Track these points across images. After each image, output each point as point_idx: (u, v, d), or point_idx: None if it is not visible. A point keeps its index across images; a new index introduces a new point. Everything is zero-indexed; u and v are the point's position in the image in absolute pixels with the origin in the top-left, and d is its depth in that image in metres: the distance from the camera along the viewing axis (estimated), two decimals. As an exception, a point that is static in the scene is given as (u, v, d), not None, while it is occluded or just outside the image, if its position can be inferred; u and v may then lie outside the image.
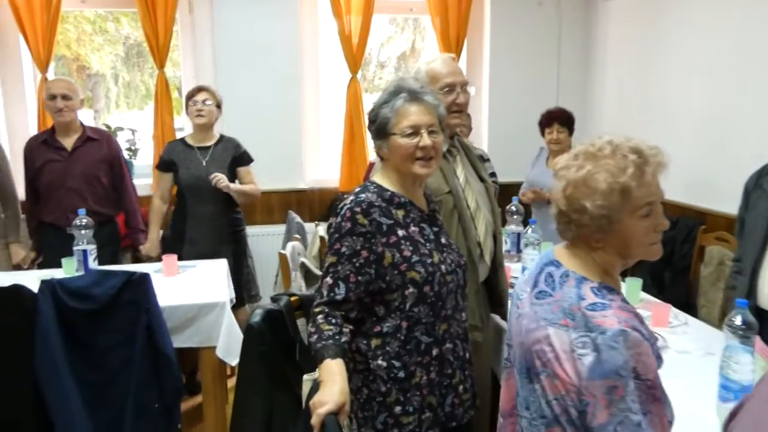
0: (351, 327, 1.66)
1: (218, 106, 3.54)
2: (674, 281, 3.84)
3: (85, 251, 2.97)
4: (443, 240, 1.81)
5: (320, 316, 1.63)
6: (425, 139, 1.69)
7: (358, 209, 1.67)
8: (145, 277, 2.49)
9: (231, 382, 3.36)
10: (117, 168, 3.55)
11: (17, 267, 3.52)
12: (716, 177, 3.73)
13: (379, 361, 1.69)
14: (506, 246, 3.28)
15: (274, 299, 2.20)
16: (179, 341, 2.65)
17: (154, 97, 4.44)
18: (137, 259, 3.76)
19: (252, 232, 4.05)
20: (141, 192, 3.98)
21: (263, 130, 4.29)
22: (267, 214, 4.52)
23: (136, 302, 2.48)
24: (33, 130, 4.30)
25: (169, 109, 4.43)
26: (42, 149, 3.42)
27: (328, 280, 1.66)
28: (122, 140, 4.45)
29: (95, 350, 2.49)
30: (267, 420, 2.13)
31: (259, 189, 3.62)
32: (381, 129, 1.73)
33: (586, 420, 1.26)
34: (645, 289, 2.81)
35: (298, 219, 4.09)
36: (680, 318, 2.58)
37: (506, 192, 3.42)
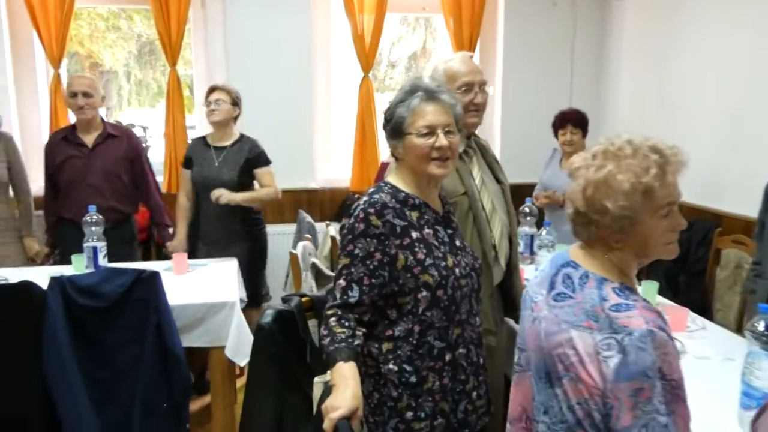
0: (364, 330, 1.64)
1: (234, 103, 3.49)
2: (689, 284, 3.79)
3: (95, 248, 2.97)
4: (458, 243, 1.78)
5: (333, 319, 1.60)
6: (441, 139, 1.66)
7: (371, 210, 1.64)
8: (154, 275, 2.47)
9: (240, 382, 3.35)
10: (138, 165, 3.55)
11: (31, 261, 3.52)
12: (733, 179, 3.68)
13: (391, 366, 1.66)
14: (519, 248, 3.24)
15: (285, 300, 2.17)
16: (188, 340, 2.64)
17: (165, 95, 4.43)
18: (147, 256, 3.76)
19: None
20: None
21: (274, 129, 4.27)
22: (277, 213, 4.50)
23: (146, 300, 2.46)
24: (45, 126, 4.31)
25: (180, 107, 4.43)
26: (63, 145, 3.43)
27: (341, 282, 1.63)
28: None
29: (104, 348, 2.48)
30: (277, 421, 2.10)
31: (276, 190, 3.52)
32: (396, 128, 1.70)
33: (609, 423, 1.24)
34: (659, 292, 2.76)
35: (309, 219, 4.07)
36: (698, 322, 2.53)
37: (519, 193, 3.38)
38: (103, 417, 2.45)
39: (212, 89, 3.52)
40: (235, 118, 3.54)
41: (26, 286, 2.39)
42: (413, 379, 1.65)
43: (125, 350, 2.49)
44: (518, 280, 2.29)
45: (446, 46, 5.01)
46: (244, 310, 2.90)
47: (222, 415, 2.76)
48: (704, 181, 3.75)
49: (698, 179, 3.73)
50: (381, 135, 4.67)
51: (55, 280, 2.38)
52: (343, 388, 1.45)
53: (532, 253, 3.26)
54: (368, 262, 1.62)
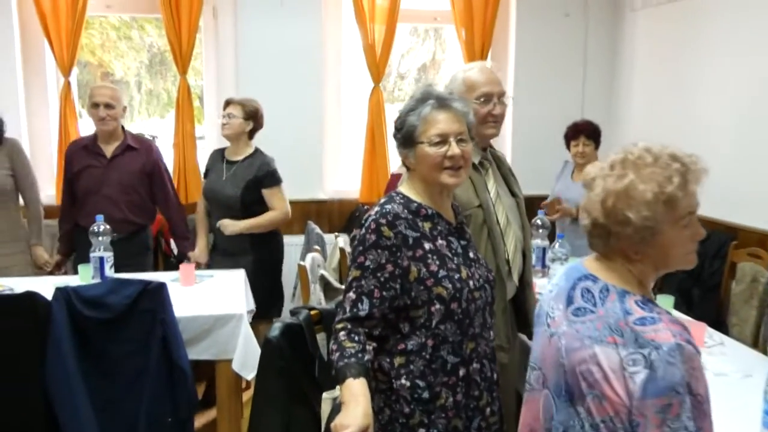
0: (374, 344, 1.59)
1: (248, 118, 3.45)
2: (703, 298, 3.74)
3: (101, 258, 2.94)
4: (471, 254, 1.74)
5: (342, 333, 1.56)
6: (454, 148, 1.62)
7: (383, 221, 1.60)
8: (161, 287, 2.44)
9: (246, 396, 3.30)
10: (157, 177, 3.53)
11: (39, 269, 3.50)
12: (748, 191, 3.62)
13: (403, 381, 1.61)
14: (532, 262, 3.20)
15: (294, 312, 2.14)
16: (194, 353, 2.60)
17: (175, 104, 4.42)
18: (154, 267, 3.74)
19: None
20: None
21: (284, 139, 4.25)
22: (286, 224, 4.44)
23: (152, 312, 2.43)
24: (54, 134, 4.32)
25: (190, 117, 4.42)
26: (82, 154, 3.43)
27: (351, 295, 1.59)
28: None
29: (108, 360, 2.45)
30: (284, 436, 2.06)
31: (285, 213, 3.45)
32: (407, 137, 1.66)
33: None
34: (673, 306, 2.71)
35: (317, 230, 4.03)
36: (715, 338, 2.48)
37: (530, 205, 3.34)
38: (106, 430, 2.41)
39: (227, 103, 3.51)
40: (251, 132, 3.49)
41: (31, 297, 2.37)
42: (426, 395, 1.60)
43: (130, 362, 2.46)
44: (531, 295, 2.24)
45: (456, 58, 4.99)
46: (252, 322, 2.86)
47: (228, 430, 2.72)
48: (719, 193, 3.68)
49: (713, 191, 3.63)
50: (391, 146, 4.68)
51: (60, 291, 2.36)
52: (353, 406, 1.41)
53: (544, 266, 3.22)
54: (379, 275, 1.58)
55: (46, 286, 2.60)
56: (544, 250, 3.26)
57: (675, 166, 1.25)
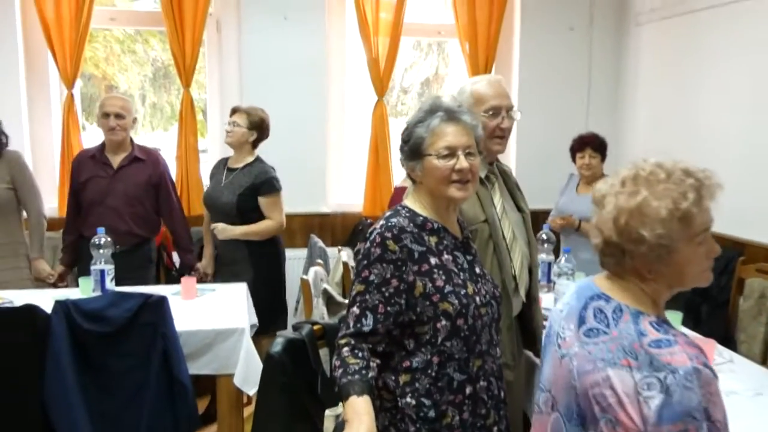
0: (378, 361, 1.56)
1: (252, 128, 3.46)
2: (711, 315, 3.69)
3: (102, 271, 2.91)
4: (477, 270, 1.71)
5: (346, 349, 1.52)
6: (462, 162, 1.59)
7: (388, 234, 1.57)
8: (162, 300, 2.42)
9: (247, 411, 3.25)
10: (163, 190, 3.52)
11: (40, 282, 3.46)
12: (756, 206, 3.59)
13: (408, 399, 1.58)
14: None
15: (296, 327, 2.10)
16: (195, 368, 2.56)
17: (178, 116, 4.41)
18: (156, 279, 3.71)
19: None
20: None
21: (287, 152, 4.22)
22: (288, 237, 4.42)
23: (153, 326, 2.41)
24: (57, 146, 4.29)
25: (193, 129, 4.40)
26: (89, 164, 3.42)
27: (355, 309, 1.55)
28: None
29: (108, 374, 2.42)
30: (285, 454, 2.02)
31: (279, 223, 3.43)
32: (415, 149, 1.64)
33: None
34: (681, 322, 2.67)
35: (320, 243, 4.00)
36: (725, 355, 2.44)
37: (535, 220, 3.31)
38: (105, 446, 2.38)
39: (233, 110, 3.52)
40: (254, 142, 3.50)
41: (30, 310, 2.34)
42: (432, 413, 1.57)
43: (130, 377, 2.43)
44: (538, 312, 2.21)
45: (459, 72, 4.98)
46: (254, 336, 2.82)
47: (229, 446, 2.68)
48: (726, 208, 3.62)
49: (720, 206, 3.63)
50: (394, 159, 4.66)
51: (59, 304, 2.33)
52: (357, 424, 1.38)
53: (550, 281, 3.18)
54: (384, 289, 1.55)
55: (46, 299, 2.57)
56: (549, 264, 3.22)
57: (689, 182, 1.22)
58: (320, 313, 2.98)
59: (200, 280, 3.45)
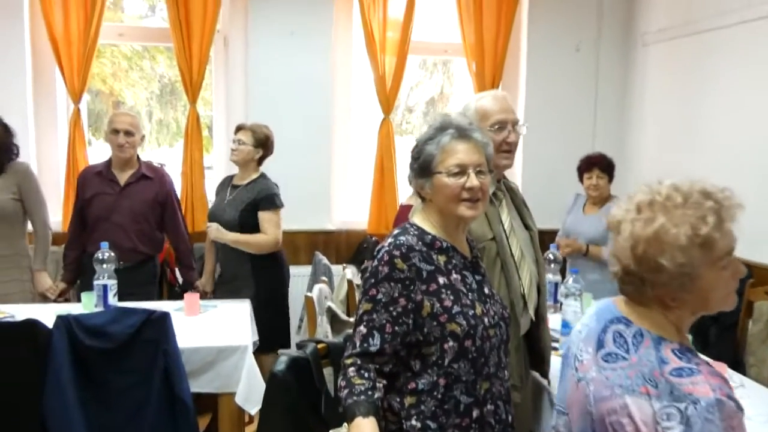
0: (384, 382, 1.52)
1: (258, 145, 3.45)
2: (720, 338, 3.64)
3: (105, 286, 2.89)
4: (486, 290, 1.67)
5: (352, 369, 1.49)
6: (473, 180, 1.57)
7: (396, 253, 1.54)
8: (164, 316, 2.39)
9: (249, 430, 3.21)
10: (170, 208, 3.52)
11: (42, 296, 3.44)
12: (764, 228, 3.54)
13: (413, 422, 1.54)
14: (544, 296, 3.13)
15: (300, 345, 2.07)
16: (197, 386, 2.53)
17: (184, 132, 4.41)
18: (161, 295, 3.69)
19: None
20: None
21: (292, 169, 4.22)
22: (293, 254, 4.40)
23: (155, 342, 2.38)
24: (63, 161, 4.29)
25: (199, 145, 4.40)
26: (96, 180, 3.41)
27: (362, 329, 1.52)
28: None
29: (109, 390, 2.39)
30: (287, 475, 1.97)
31: (275, 239, 3.37)
32: (425, 167, 1.61)
33: None
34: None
35: (325, 261, 3.97)
36: (735, 379, 2.39)
37: (541, 239, 3.29)
38: (104, 464, 2.35)
39: (238, 128, 3.51)
40: (260, 159, 3.49)
41: (31, 325, 2.32)
42: (437, 437, 1.53)
43: (131, 394, 2.39)
44: (546, 331, 2.17)
45: (464, 91, 4.97)
46: (256, 354, 2.79)
47: (230, 466, 2.63)
48: (735, 229, 3.63)
49: (728, 228, 3.61)
50: (400, 177, 4.64)
51: (61, 319, 2.31)
52: (362, 446, 1.34)
53: (557, 301, 3.14)
54: (391, 309, 1.52)
55: (47, 314, 2.54)
56: (556, 285, 3.19)
57: (708, 205, 1.18)
58: (324, 331, 2.95)
59: (200, 297, 3.42)
